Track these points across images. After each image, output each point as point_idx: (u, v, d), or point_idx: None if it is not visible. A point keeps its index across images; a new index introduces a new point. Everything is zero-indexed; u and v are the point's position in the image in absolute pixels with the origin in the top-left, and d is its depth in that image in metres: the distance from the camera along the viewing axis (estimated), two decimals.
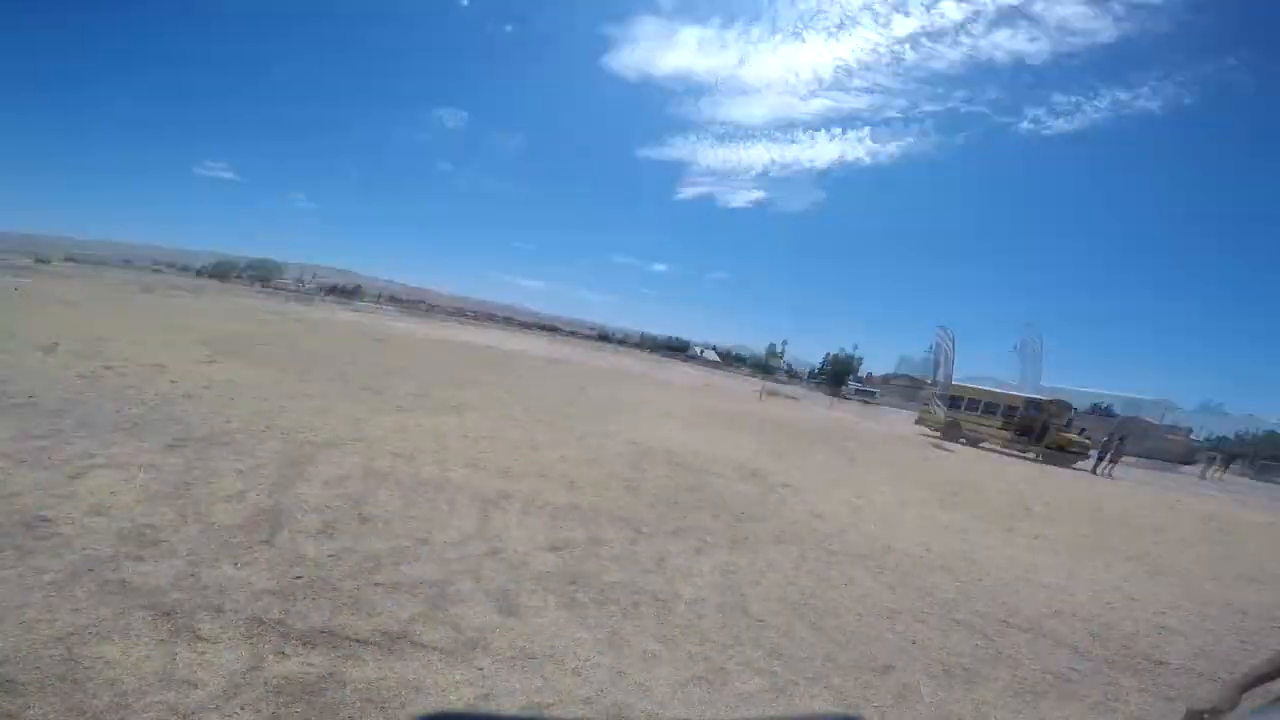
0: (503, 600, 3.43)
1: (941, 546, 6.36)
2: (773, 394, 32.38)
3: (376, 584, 3.33)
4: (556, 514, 5.14)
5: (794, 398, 34.16)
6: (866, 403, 54.52)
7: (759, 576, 4.53)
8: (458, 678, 2.63)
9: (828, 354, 70.92)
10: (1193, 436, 38.65)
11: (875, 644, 3.74)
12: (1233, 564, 8.29)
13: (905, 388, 43.96)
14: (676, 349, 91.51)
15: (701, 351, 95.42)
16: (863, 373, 69.64)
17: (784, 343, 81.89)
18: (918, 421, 28.75)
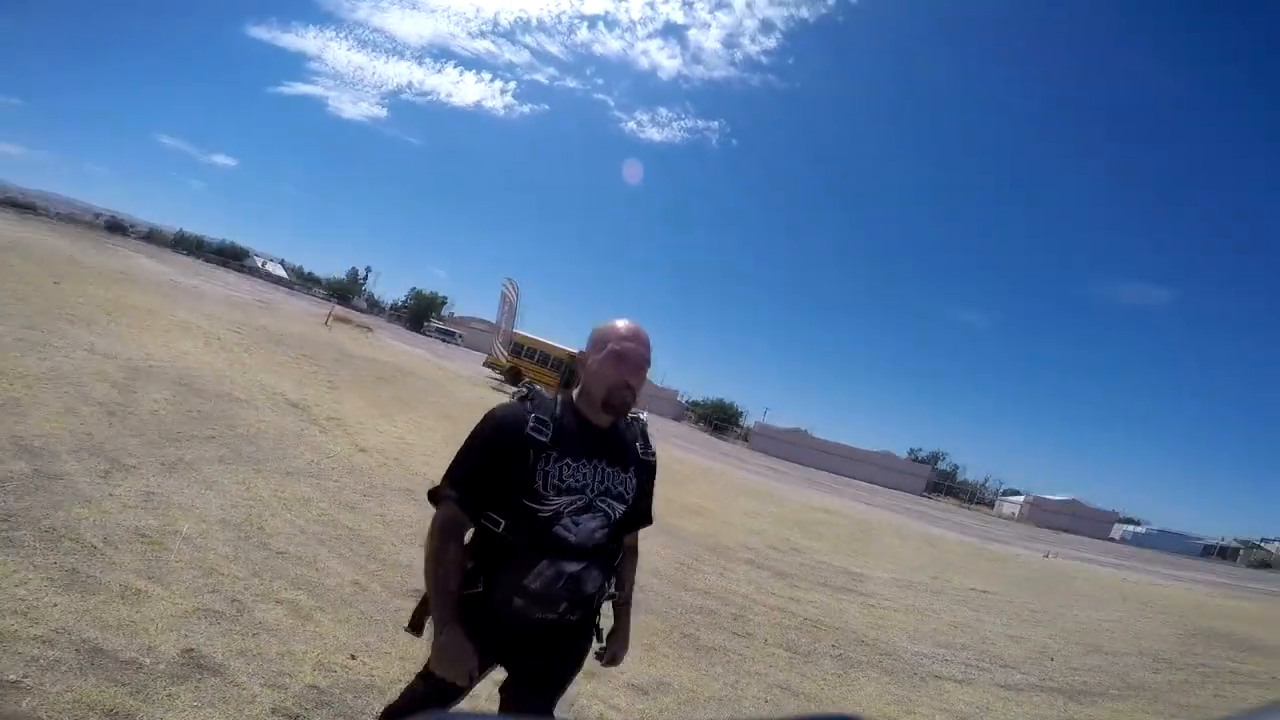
0: None
1: None
2: (344, 321, 29.81)
3: None
4: None
5: (368, 328, 32.19)
6: (447, 342, 55.44)
7: (283, 508, 4.25)
8: None
9: (413, 288, 69.01)
10: (680, 399, 52.33)
11: (407, 570, 3.92)
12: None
13: (484, 332, 46.72)
14: (230, 256, 75.03)
15: (265, 264, 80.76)
16: (447, 313, 70.43)
17: (368, 269, 75.69)
18: (486, 364, 30.80)
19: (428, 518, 4.81)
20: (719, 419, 52.38)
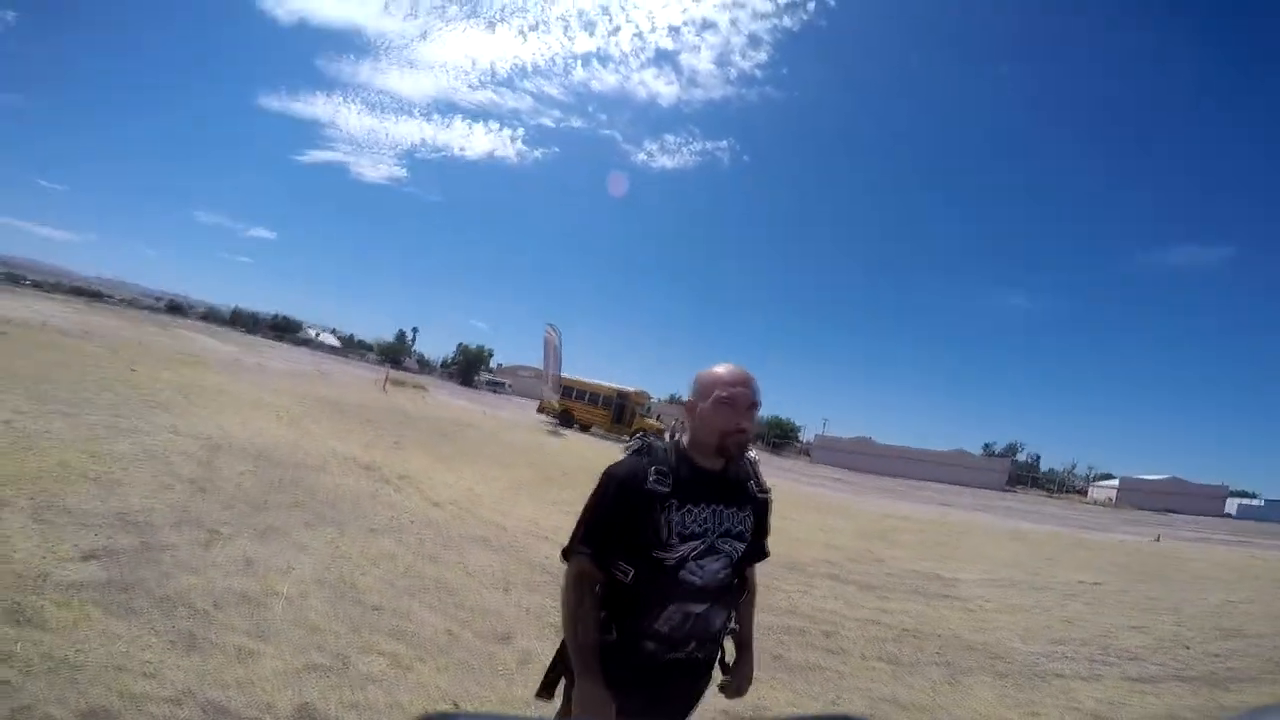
0: (17, 614, 2.66)
1: (549, 522, 7.05)
2: (399, 384, 30.81)
3: None
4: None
5: (422, 387, 33.16)
6: (497, 392, 56.64)
7: (371, 565, 4.35)
8: None
9: (459, 344, 70.99)
10: None
11: (494, 616, 3.95)
12: None
13: (531, 379, 47.65)
14: (285, 329, 79.07)
15: (318, 335, 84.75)
16: (494, 364, 72.13)
17: (415, 330, 78.35)
18: (539, 410, 31.24)
19: (505, 563, 4.90)
20: (776, 436, 51.42)
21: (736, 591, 1.66)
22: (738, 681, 1.72)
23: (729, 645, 1.73)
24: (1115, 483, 46.01)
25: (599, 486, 1.55)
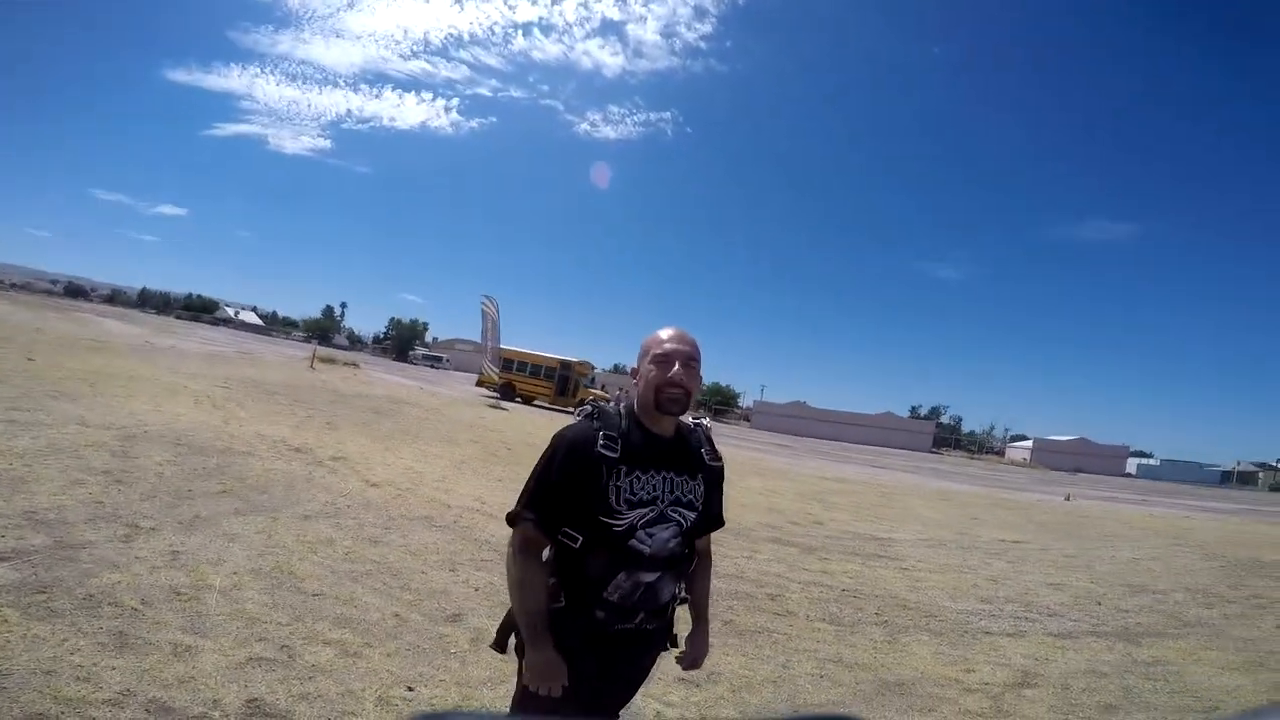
0: None
1: (494, 498, 6.95)
2: (329, 361, 29.48)
3: None
4: None
5: (354, 364, 31.88)
6: (435, 367, 55.17)
7: (309, 551, 4.17)
8: None
9: (391, 319, 68.41)
10: None
11: (442, 596, 3.87)
12: None
13: (471, 353, 46.54)
14: (200, 309, 74.12)
15: (238, 314, 79.87)
16: (430, 338, 70.08)
17: (344, 305, 74.68)
18: (478, 383, 30.60)
19: (451, 542, 4.80)
20: (717, 403, 52.46)
21: (687, 561, 1.66)
22: (693, 652, 1.72)
23: (685, 615, 1.73)
24: (1029, 444, 49.44)
25: (547, 450, 1.54)
